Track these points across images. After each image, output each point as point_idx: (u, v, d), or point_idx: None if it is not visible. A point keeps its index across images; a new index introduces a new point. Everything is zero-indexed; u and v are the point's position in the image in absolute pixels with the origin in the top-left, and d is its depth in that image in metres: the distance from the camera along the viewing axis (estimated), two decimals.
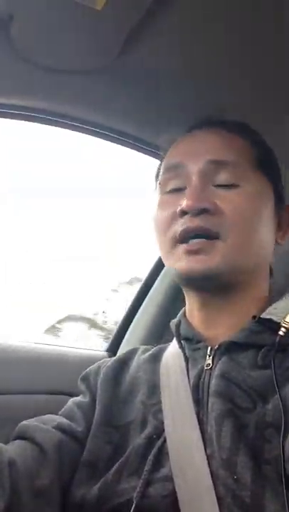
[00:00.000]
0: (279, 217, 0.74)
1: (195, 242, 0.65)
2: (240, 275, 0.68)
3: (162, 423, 0.63)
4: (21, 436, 0.67)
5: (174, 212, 0.67)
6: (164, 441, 0.60)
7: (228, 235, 0.65)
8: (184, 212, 0.66)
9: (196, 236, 0.65)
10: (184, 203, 0.65)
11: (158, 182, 0.74)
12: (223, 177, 0.67)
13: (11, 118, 0.88)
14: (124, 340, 1.24)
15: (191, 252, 0.65)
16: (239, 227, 0.65)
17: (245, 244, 0.66)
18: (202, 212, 0.65)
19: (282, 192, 0.75)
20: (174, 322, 0.75)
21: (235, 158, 0.69)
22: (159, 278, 1.25)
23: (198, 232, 0.65)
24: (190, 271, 0.65)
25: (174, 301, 1.23)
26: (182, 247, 0.66)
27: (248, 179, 0.68)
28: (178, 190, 0.70)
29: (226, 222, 0.65)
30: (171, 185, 0.71)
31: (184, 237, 0.66)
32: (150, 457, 0.59)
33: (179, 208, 0.66)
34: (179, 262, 0.66)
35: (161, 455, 0.59)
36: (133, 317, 1.26)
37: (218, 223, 0.65)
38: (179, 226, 0.66)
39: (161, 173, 0.74)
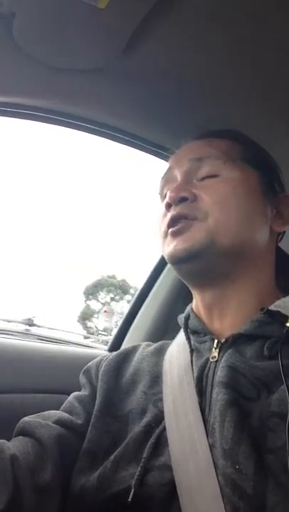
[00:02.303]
0: (276, 207, 0.75)
1: (176, 225, 0.70)
2: (228, 258, 0.68)
3: (162, 412, 0.63)
4: (22, 433, 0.68)
5: (164, 210, 0.74)
6: (163, 429, 0.61)
7: (207, 216, 0.69)
8: (169, 205, 0.72)
9: (180, 219, 0.70)
10: (167, 196, 0.72)
11: (158, 193, 0.80)
12: (204, 170, 0.73)
13: (13, 116, 0.88)
14: (125, 340, 1.24)
15: (174, 234, 0.70)
16: (218, 207, 0.69)
17: (227, 222, 0.68)
18: (182, 200, 0.70)
19: (276, 183, 0.77)
20: (182, 316, 0.76)
21: (216, 152, 0.73)
22: (161, 277, 1.25)
23: (178, 217, 0.70)
24: (175, 251, 0.69)
25: (176, 300, 1.23)
26: (169, 232, 0.71)
27: (228, 169, 0.72)
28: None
29: (203, 206, 0.69)
30: (165, 191, 0.78)
31: (170, 225, 0.71)
32: (148, 445, 0.60)
33: (164, 202, 0.73)
34: (167, 248, 0.71)
35: (160, 443, 0.60)
36: (135, 316, 1.26)
37: (196, 208, 0.70)
38: (166, 218, 0.72)
39: (159, 185, 0.81)
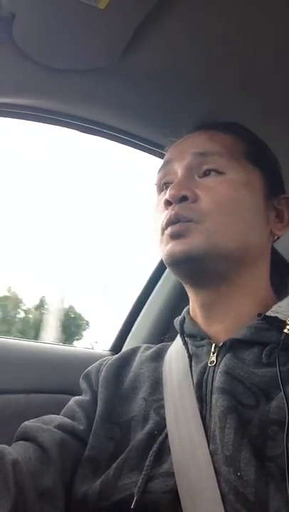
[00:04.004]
0: (277, 208, 0.74)
1: (176, 225, 0.67)
2: (227, 261, 0.67)
3: (164, 419, 0.63)
4: (23, 437, 0.67)
5: (162, 206, 0.70)
6: (166, 436, 0.60)
7: (207, 218, 0.66)
8: (168, 202, 0.69)
9: (178, 220, 0.67)
10: (167, 193, 0.68)
11: (155, 183, 0.77)
12: (207, 167, 0.70)
13: (14, 117, 0.88)
14: (127, 340, 1.24)
15: (172, 236, 0.67)
16: (218, 210, 0.67)
17: (227, 226, 0.67)
18: (183, 200, 0.67)
19: (278, 182, 0.75)
20: (178, 319, 0.75)
21: (220, 149, 0.70)
22: (162, 278, 1.25)
23: (176, 218, 0.67)
24: (172, 253, 0.67)
25: (177, 301, 1.22)
26: (166, 232, 0.68)
27: (232, 167, 0.69)
28: (168, 186, 0.72)
29: (205, 208, 0.67)
30: (163, 183, 0.75)
31: (168, 224, 0.68)
32: (151, 452, 0.59)
33: (163, 199, 0.70)
34: (165, 247, 0.69)
35: (163, 450, 0.59)
36: (136, 317, 1.26)
37: (198, 210, 0.67)
38: (164, 215, 0.69)
39: (156, 176, 0.77)
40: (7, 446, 0.64)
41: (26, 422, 0.70)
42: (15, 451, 0.63)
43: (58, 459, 0.65)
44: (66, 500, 0.63)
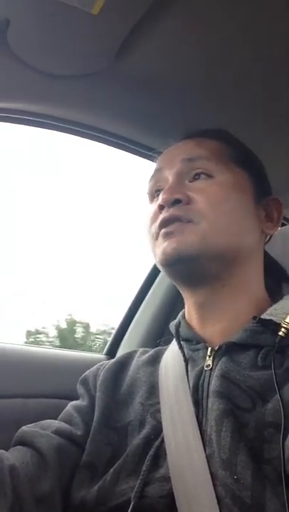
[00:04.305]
0: (266, 209, 0.76)
1: (170, 225, 0.68)
2: (221, 261, 0.68)
3: (160, 423, 0.63)
4: (21, 442, 0.67)
5: (156, 211, 0.72)
6: (162, 441, 0.60)
7: (200, 219, 0.67)
8: (161, 207, 0.70)
9: (173, 221, 0.68)
10: (160, 197, 0.70)
11: (147, 193, 0.79)
12: (196, 171, 0.72)
13: (9, 122, 0.88)
14: (122, 344, 1.24)
15: (166, 235, 0.68)
16: (212, 211, 0.68)
17: (220, 226, 0.68)
18: (176, 203, 0.68)
19: (265, 184, 0.77)
20: (173, 323, 0.76)
21: (208, 153, 0.72)
22: (156, 281, 1.25)
23: (172, 219, 0.68)
24: (166, 252, 0.67)
25: (171, 304, 1.22)
26: (160, 233, 0.69)
27: (220, 171, 0.71)
28: (159, 194, 0.73)
29: (198, 209, 0.68)
30: (155, 191, 0.76)
31: (162, 226, 0.69)
32: (148, 457, 0.59)
33: (156, 204, 0.71)
34: (158, 249, 0.70)
35: (159, 455, 0.59)
36: (131, 320, 1.26)
37: (191, 211, 0.68)
38: (158, 220, 0.70)
39: (148, 184, 0.79)
40: (4, 452, 0.64)
41: (24, 427, 0.70)
42: (12, 456, 0.63)
43: (55, 464, 0.65)
44: (63, 505, 0.63)
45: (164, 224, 0.69)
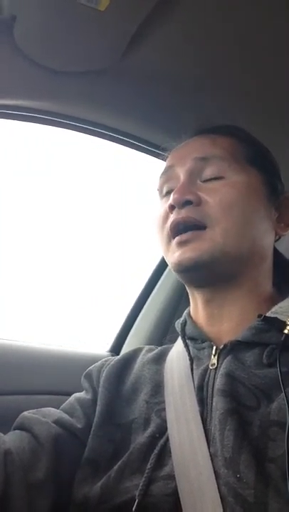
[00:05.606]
0: (278, 210, 0.75)
1: (184, 234, 0.68)
2: (234, 264, 0.68)
3: (165, 422, 0.63)
4: (20, 427, 0.68)
5: (166, 211, 0.71)
6: (167, 439, 0.60)
7: (215, 222, 0.67)
8: (172, 207, 0.69)
9: (186, 228, 0.68)
10: (171, 197, 0.69)
11: (157, 189, 0.78)
12: (209, 171, 0.70)
13: (15, 119, 0.88)
14: (126, 341, 1.24)
15: (181, 243, 0.68)
16: (225, 214, 0.67)
17: (234, 230, 0.67)
18: (187, 204, 0.68)
19: (277, 184, 0.76)
20: (179, 321, 0.76)
21: (221, 153, 0.71)
22: (161, 278, 1.25)
23: (185, 222, 0.68)
24: (181, 260, 0.67)
25: (176, 302, 1.23)
26: (174, 241, 0.69)
27: (234, 171, 0.70)
28: (170, 192, 0.72)
29: (211, 211, 0.67)
30: (166, 189, 0.76)
31: (174, 231, 0.69)
32: (153, 455, 0.59)
33: (167, 204, 0.70)
34: (172, 255, 0.69)
35: (164, 454, 0.59)
36: (136, 318, 1.26)
37: (204, 213, 0.67)
38: (169, 220, 0.70)
39: (158, 181, 0.78)
40: (2, 435, 0.64)
41: (25, 413, 0.70)
42: (10, 440, 0.64)
43: (52, 453, 0.65)
44: (57, 493, 0.63)
45: (177, 230, 0.68)
